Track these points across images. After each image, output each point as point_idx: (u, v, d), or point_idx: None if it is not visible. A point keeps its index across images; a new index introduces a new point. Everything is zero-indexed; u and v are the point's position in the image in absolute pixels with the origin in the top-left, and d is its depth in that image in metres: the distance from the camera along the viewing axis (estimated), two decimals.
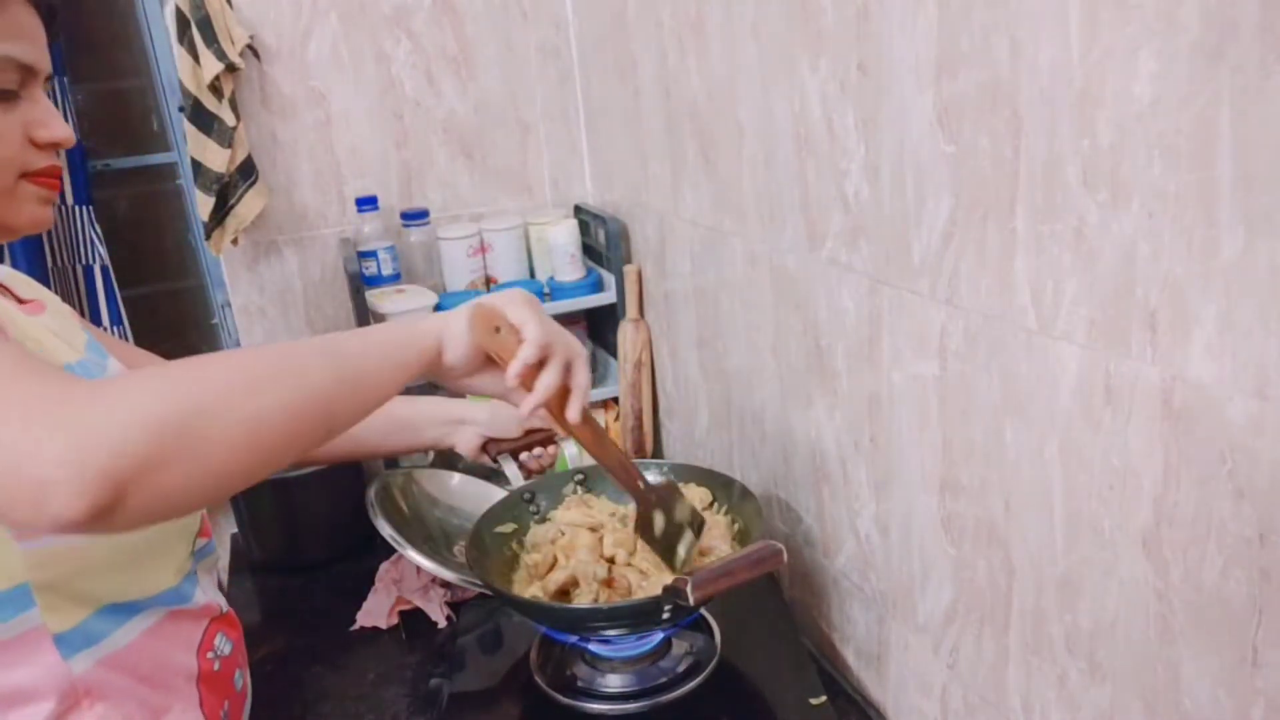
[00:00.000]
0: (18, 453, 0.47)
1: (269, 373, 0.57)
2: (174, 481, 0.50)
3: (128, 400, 0.50)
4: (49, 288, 1.56)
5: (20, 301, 0.75)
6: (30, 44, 0.66)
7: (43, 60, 0.68)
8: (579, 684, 0.99)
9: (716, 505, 1.09)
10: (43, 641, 0.64)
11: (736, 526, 1.05)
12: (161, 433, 0.49)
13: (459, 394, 0.81)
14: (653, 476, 1.16)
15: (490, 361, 0.76)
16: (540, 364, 0.76)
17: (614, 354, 1.61)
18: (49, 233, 1.59)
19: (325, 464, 1.35)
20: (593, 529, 1.06)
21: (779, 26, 0.94)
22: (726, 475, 1.11)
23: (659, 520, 0.92)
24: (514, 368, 0.74)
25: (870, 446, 0.94)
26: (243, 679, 0.83)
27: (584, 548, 1.01)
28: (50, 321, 0.74)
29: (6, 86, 0.65)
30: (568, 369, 0.77)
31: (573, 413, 0.78)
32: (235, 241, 1.50)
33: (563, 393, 0.77)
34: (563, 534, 1.06)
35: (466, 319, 0.74)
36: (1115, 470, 0.64)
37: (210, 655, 0.76)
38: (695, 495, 1.09)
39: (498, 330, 0.75)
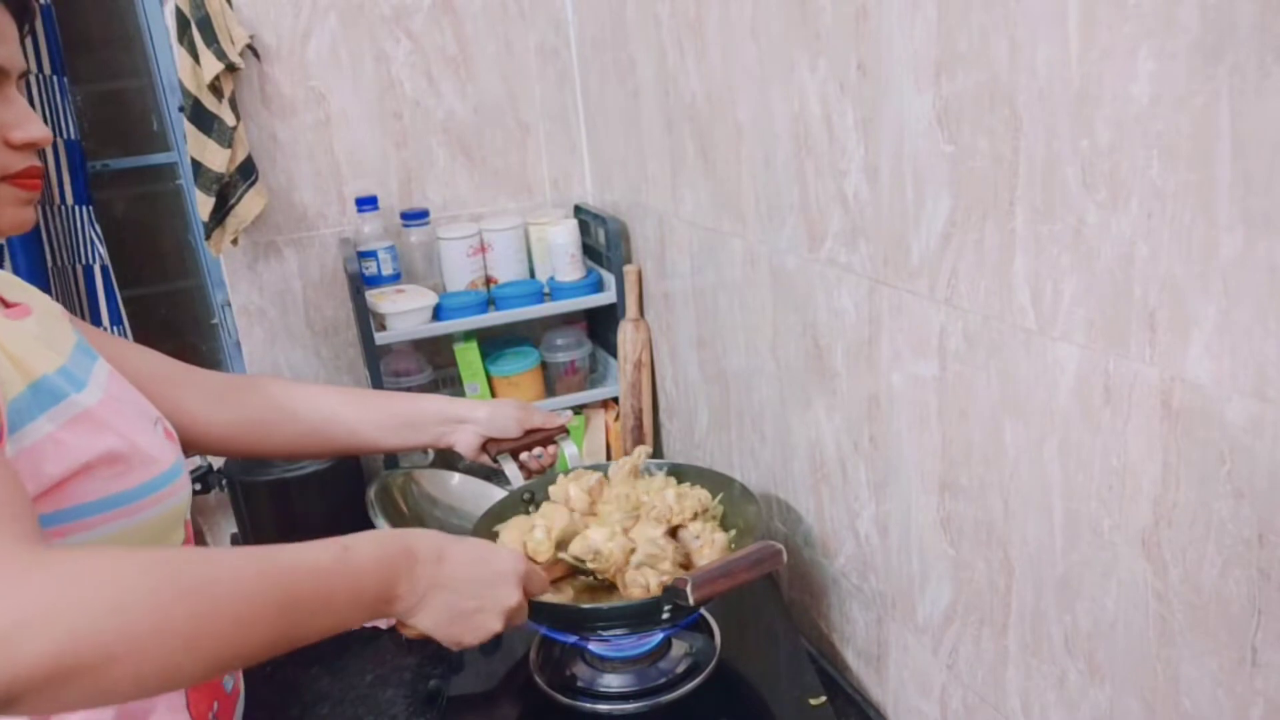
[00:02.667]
0: None
1: (212, 619, 0.53)
2: (72, 698, 0.48)
3: (58, 608, 0.47)
4: (49, 288, 1.57)
5: (6, 305, 0.74)
6: (5, 46, 0.65)
7: (15, 60, 0.67)
8: (579, 684, 0.99)
9: (714, 515, 1.09)
10: None
11: (733, 536, 1.04)
12: (75, 657, 0.47)
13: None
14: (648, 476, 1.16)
15: None
16: None
17: (614, 354, 1.61)
18: (49, 233, 1.59)
19: (325, 457, 1.35)
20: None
21: (778, 26, 0.94)
22: (726, 475, 1.11)
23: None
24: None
25: (869, 447, 0.94)
26: (233, 680, 0.82)
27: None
28: (34, 326, 0.73)
29: None
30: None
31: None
32: (235, 241, 1.50)
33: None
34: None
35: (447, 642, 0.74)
36: (1114, 470, 0.63)
37: None
38: (697, 497, 1.09)
39: None
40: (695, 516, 1.04)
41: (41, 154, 1.46)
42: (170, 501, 0.73)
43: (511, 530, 1.02)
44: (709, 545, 1.01)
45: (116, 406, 0.73)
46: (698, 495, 1.07)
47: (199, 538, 0.96)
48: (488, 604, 0.75)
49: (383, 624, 1.20)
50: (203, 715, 0.76)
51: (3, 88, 0.67)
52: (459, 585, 0.73)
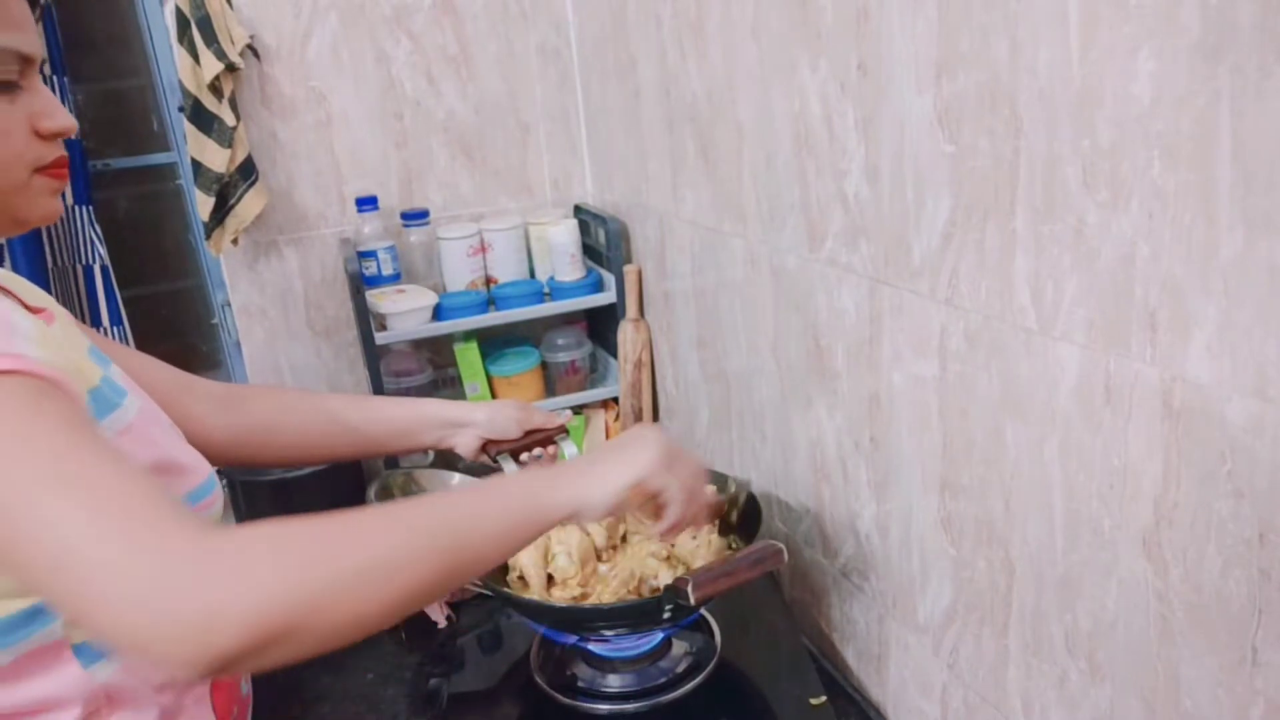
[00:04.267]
0: (140, 607, 0.48)
1: (387, 561, 0.57)
2: (277, 657, 0.52)
3: (259, 578, 0.51)
4: (49, 288, 1.57)
5: (31, 310, 0.74)
6: (26, 33, 0.65)
7: (39, 48, 0.66)
8: (579, 684, 0.99)
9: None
10: (63, 652, 0.64)
11: (731, 540, 1.04)
12: (283, 621, 0.50)
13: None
14: None
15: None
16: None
17: (614, 354, 1.61)
18: (49, 233, 1.59)
19: (326, 462, 1.35)
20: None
21: (779, 27, 0.94)
22: (726, 475, 1.11)
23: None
24: (664, 529, 0.77)
25: (870, 446, 0.94)
26: (247, 684, 0.83)
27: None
28: (59, 333, 0.74)
29: (8, 79, 0.63)
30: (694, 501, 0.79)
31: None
32: (235, 241, 1.50)
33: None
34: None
35: (613, 500, 0.71)
36: (1115, 470, 0.64)
37: None
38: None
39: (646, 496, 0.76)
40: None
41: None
42: (212, 510, 0.73)
43: (529, 550, 1.00)
44: (705, 547, 1.01)
45: (151, 417, 0.73)
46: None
47: None
48: (633, 434, 0.76)
49: None
50: (226, 716, 0.76)
51: (30, 76, 0.66)
52: (597, 452, 0.76)
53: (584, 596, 0.97)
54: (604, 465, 0.73)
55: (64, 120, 0.67)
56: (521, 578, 0.99)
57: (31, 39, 0.66)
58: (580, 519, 0.71)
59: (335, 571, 0.54)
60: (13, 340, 0.55)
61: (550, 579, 0.99)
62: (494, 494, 0.68)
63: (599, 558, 1.02)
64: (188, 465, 0.72)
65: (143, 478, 0.54)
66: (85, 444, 0.53)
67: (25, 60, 0.65)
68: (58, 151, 0.68)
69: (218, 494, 0.75)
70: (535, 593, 0.97)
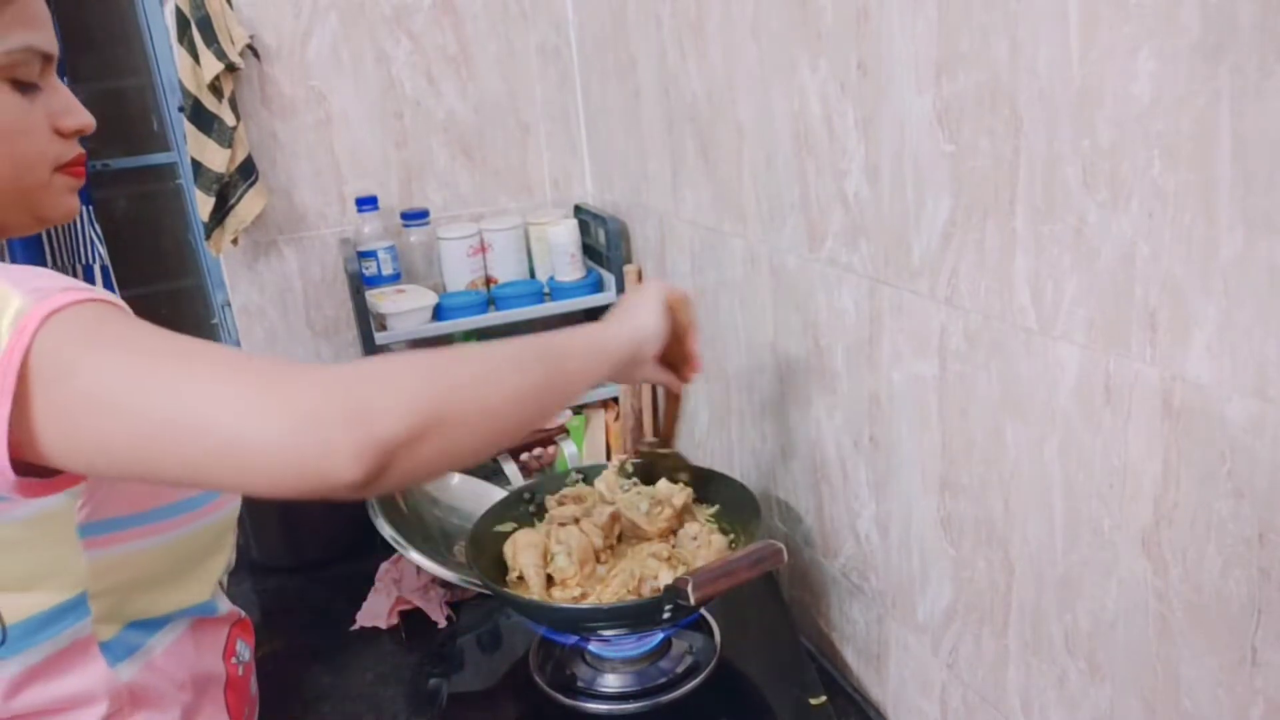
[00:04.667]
0: (303, 421, 0.51)
1: (503, 369, 0.64)
2: (427, 455, 0.55)
3: (395, 385, 0.55)
4: None
5: None
6: (48, 31, 0.65)
7: (54, 44, 0.66)
8: (579, 684, 0.99)
9: (710, 515, 1.09)
10: (90, 649, 0.65)
11: (732, 540, 1.04)
12: (423, 416, 0.55)
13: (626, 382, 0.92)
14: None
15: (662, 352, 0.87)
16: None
17: None
18: (49, 232, 1.59)
19: None
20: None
21: (779, 26, 0.94)
22: (726, 475, 1.11)
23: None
24: (697, 349, 0.92)
25: (870, 446, 0.94)
26: (255, 685, 0.83)
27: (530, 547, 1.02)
28: None
29: (29, 79, 0.63)
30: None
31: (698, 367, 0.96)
32: (235, 241, 1.50)
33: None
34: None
35: (659, 315, 0.84)
36: (1115, 470, 0.64)
37: (234, 660, 0.77)
38: (662, 491, 1.09)
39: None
40: (672, 528, 1.05)
41: None
42: (228, 508, 0.74)
43: (528, 551, 1.01)
44: (706, 547, 1.01)
45: None
46: (673, 502, 1.07)
47: None
48: (635, 291, 0.90)
49: (384, 624, 1.20)
50: (239, 716, 0.77)
51: (49, 75, 0.66)
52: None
53: (583, 597, 0.97)
54: (637, 305, 0.85)
55: (83, 118, 0.68)
56: (521, 578, 0.99)
57: (51, 37, 0.66)
58: (644, 350, 0.83)
59: (455, 375, 0.60)
60: (90, 287, 0.58)
61: (550, 580, 0.99)
62: (571, 331, 0.79)
63: (597, 559, 1.01)
64: None
65: (244, 352, 0.57)
66: (184, 337, 0.56)
67: (46, 59, 0.65)
68: (77, 149, 0.69)
69: (228, 497, 0.75)
70: (535, 594, 0.97)
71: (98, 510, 0.62)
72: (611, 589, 0.96)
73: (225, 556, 0.77)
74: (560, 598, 0.97)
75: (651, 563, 0.99)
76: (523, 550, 1.00)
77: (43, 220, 0.68)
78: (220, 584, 0.78)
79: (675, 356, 0.91)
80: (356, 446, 0.51)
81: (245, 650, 0.80)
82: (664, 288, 0.87)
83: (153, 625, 0.70)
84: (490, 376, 0.63)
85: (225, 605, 0.78)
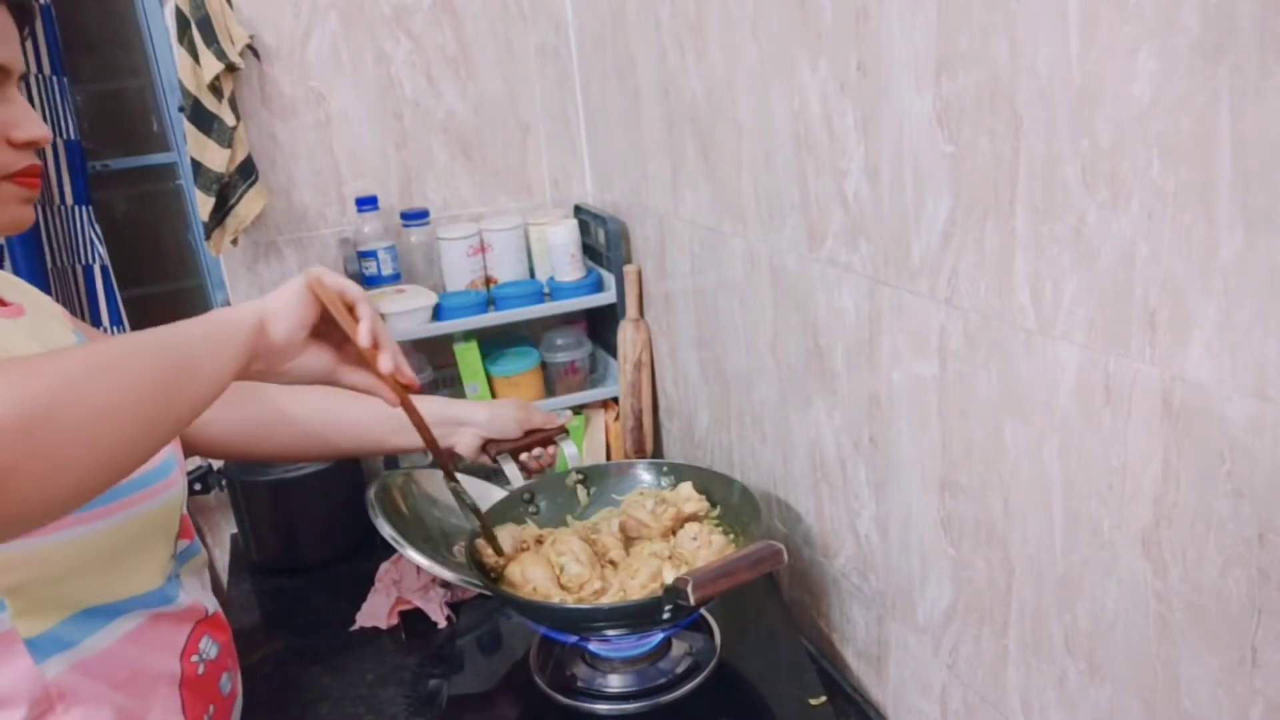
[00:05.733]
0: None
1: (109, 364, 0.57)
2: (26, 486, 0.50)
3: None
4: (49, 288, 1.57)
5: (2, 304, 0.74)
6: (3, 44, 0.65)
7: (16, 60, 0.67)
8: (579, 684, 0.99)
9: (713, 516, 1.09)
10: (14, 646, 0.64)
11: (732, 540, 1.04)
12: (11, 437, 0.49)
13: (286, 383, 0.82)
14: (651, 477, 1.16)
15: (311, 340, 0.77)
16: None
17: (614, 354, 1.61)
18: (48, 233, 1.59)
19: (326, 461, 1.35)
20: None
21: (778, 26, 0.94)
22: (726, 475, 1.11)
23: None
24: (364, 329, 0.78)
25: (870, 446, 0.94)
26: (231, 682, 0.82)
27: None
28: (27, 325, 0.74)
29: None
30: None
31: (407, 372, 0.82)
32: (235, 242, 1.50)
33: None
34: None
35: (294, 295, 0.75)
36: (1115, 470, 0.64)
37: (195, 659, 0.76)
38: (685, 496, 1.09)
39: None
40: (674, 527, 1.05)
41: (41, 154, 1.46)
42: (164, 496, 0.73)
43: (537, 565, 1.00)
44: (706, 547, 1.01)
45: None
46: (677, 502, 1.07)
47: (199, 535, 0.97)
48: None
49: (384, 624, 1.20)
50: (198, 717, 0.76)
51: (4, 87, 0.67)
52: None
53: (603, 591, 0.97)
54: (283, 287, 0.76)
55: (36, 130, 0.68)
56: (535, 591, 0.98)
57: (6, 50, 0.66)
58: (270, 325, 0.73)
59: (63, 376, 0.54)
60: None
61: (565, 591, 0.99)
62: (192, 320, 0.70)
63: (612, 564, 1.02)
64: None
65: None
66: None
67: (2, 72, 0.65)
68: (28, 160, 0.69)
69: (170, 483, 0.74)
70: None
71: None
72: (639, 580, 0.96)
73: (169, 543, 0.76)
74: (583, 599, 0.97)
75: (654, 562, 0.99)
76: (530, 567, 1.00)
77: None
78: (219, 584, 0.78)
79: (345, 347, 0.81)
80: None
81: (213, 648, 0.79)
82: (307, 272, 0.78)
83: (99, 618, 0.69)
84: (100, 371, 0.56)
85: (189, 599, 0.77)
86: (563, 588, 0.98)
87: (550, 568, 0.99)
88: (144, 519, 0.71)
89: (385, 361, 0.79)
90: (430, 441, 0.91)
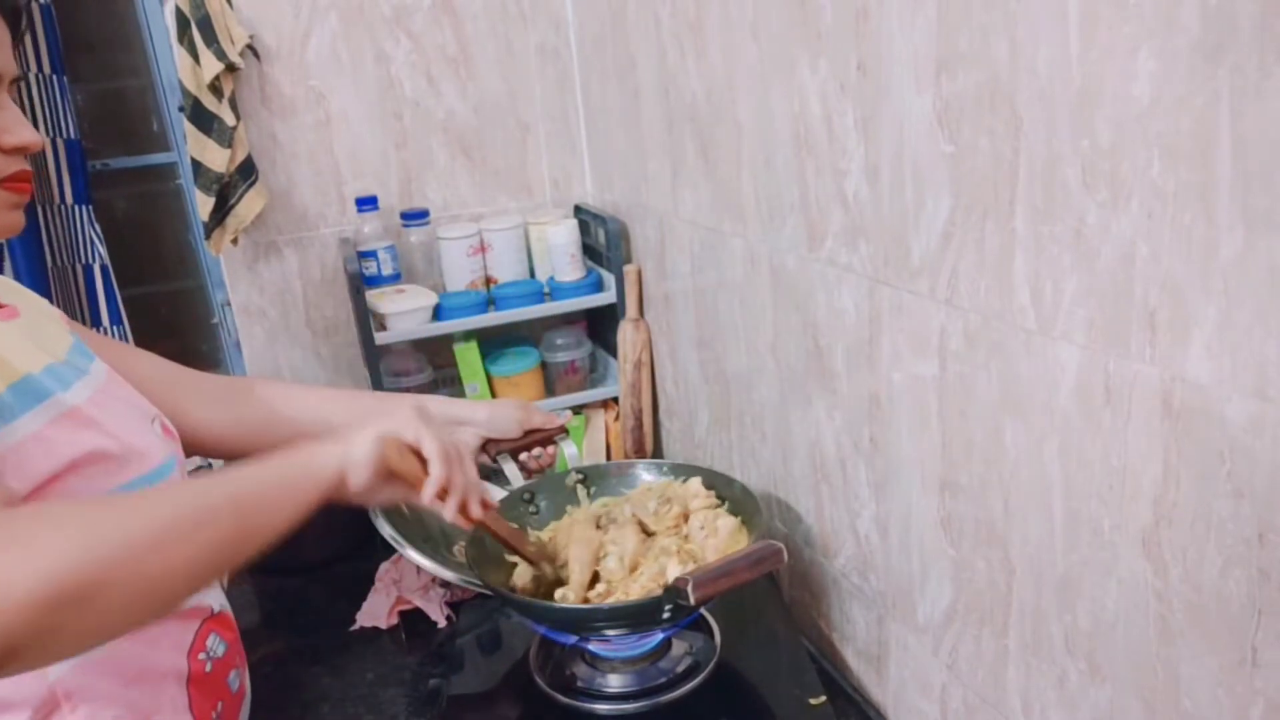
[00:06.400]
0: None
1: (174, 528, 0.57)
2: (69, 640, 0.50)
3: (25, 563, 0.49)
4: (49, 288, 1.57)
5: None
6: None
7: (5, 65, 0.67)
8: (579, 684, 0.99)
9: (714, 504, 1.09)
10: None
11: (742, 520, 1.04)
12: (60, 602, 0.49)
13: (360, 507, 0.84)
14: (652, 477, 1.16)
15: (390, 477, 0.78)
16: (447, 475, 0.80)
17: (614, 354, 1.61)
18: (49, 233, 1.59)
19: None
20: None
21: (778, 26, 0.94)
22: (726, 475, 1.11)
23: (546, 570, 1.00)
24: (430, 489, 0.79)
25: (870, 446, 0.94)
26: (239, 680, 0.82)
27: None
28: (22, 327, 0.74)
29: None
30: (462, 468, 0.83)
31: (476, 510, 0.84)
32: (235, 241, 1.50)
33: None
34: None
35: (371, 452, 0.75)
36: (1115, 470, 0.64)
37: (202, 656, 0.76)
38: (691, 489, 1.09)
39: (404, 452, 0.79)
40: (678, 525, 1.05)
41: (40, 154, 1.46)
42: None
43: (581, 546, 1.00)
44: (714, 535, 1.00)
45: (108, 404, 0.74)
46: (685, 498, 1.07)
47: None
48: (390, 407, 0.85)
49: (383, 624, 1.20)
50: (205, 716, 0.76)
51: None
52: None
53: (608, 594, 0.97)
54: (365, 428, 0.76)
55: (27, 136, 0.68)
56: (564, 566, 1.00)
57: (1, 57, 0.66)
58: (350, 477, 0.74)
59: (127, 532, 0.53)
60: None
61: (594, 580, 0.99)
62: (272, 461, 0.71)
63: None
64: (141, 452, 0.72)
65: None
66: None
67: None
68: (19, 165, 0.68)
69: (173, 482, 0.74)
70: (574, 588, 0.97)
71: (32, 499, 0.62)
72: (640, 581, 0.96)
73: None
74: (598, 593, 0.97)
75: (661, 558, 0.99)
76: (577, 543, 1.00)
77: None
78: (220, 583, 0.78)
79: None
80: None
81: (220, 646, 0.79)
82: (381, 437, 0.77)
83: None
84: (173, 529, 0.56)
85: (193, 598, 0.77)
86: (594, 575, 0.98)
87: (595, 551, 1.00)
88: None
89: (447, 512, 0.82)
90: (513, 550, 0.97)
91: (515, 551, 0.98)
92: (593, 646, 1.00)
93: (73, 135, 1.56)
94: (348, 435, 0.76)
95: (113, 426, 0.71)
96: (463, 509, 0.83)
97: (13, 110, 0.68)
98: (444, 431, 0.82)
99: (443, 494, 0.81)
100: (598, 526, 1.06)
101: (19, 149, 0.68)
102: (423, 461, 0.80)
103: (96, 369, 0.77)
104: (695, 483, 1.10)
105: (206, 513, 0.60)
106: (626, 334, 1.54)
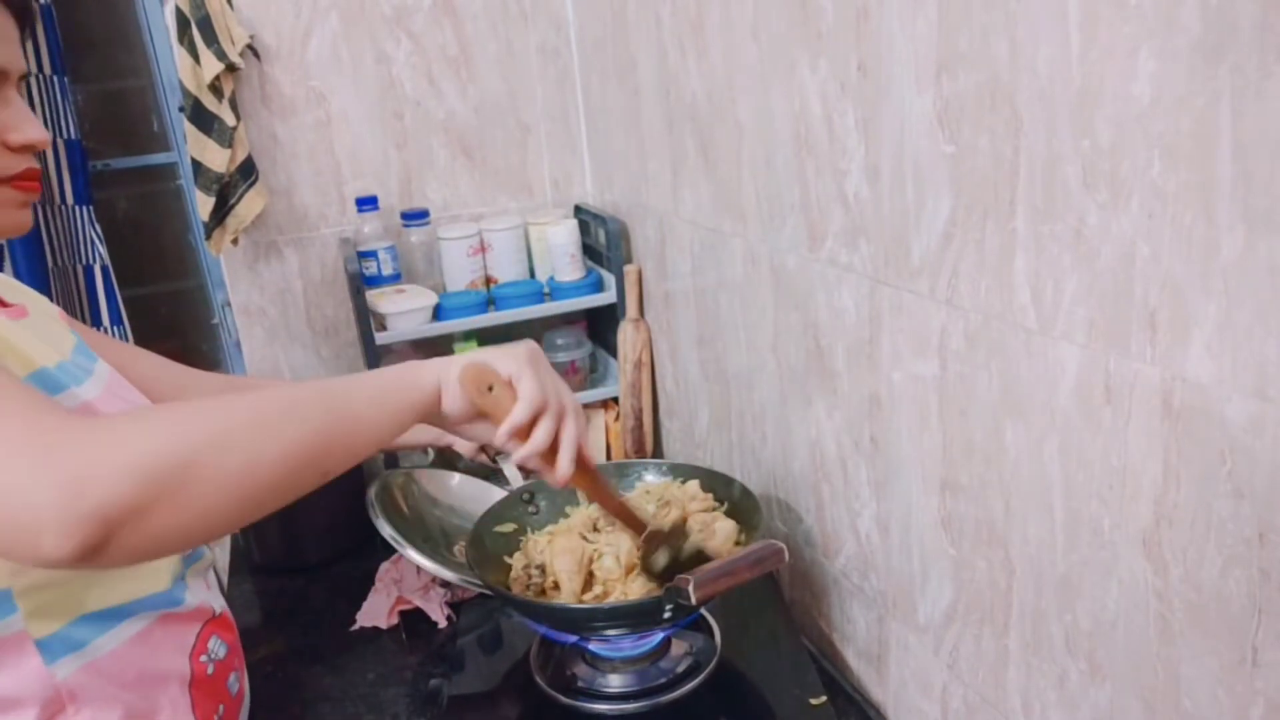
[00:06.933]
0: (7, 490, 0.48)
1: (264, 420, 0.57)
2: (163, 524, 0.51)
3: (121, 442, 0.50)
4: (49, 288, 1.57)
5: (4, 305, 0.74)
6: (2, 46, 0.65)
7: (15, 62, 0.66)
8: (579, 684, 0.99)
9: (720, 507, 1.09)
10: (25, 647, 0.64)
11: (741, 533, 1.04)
12: (154, 477, 0.49)
13: (456, 436, 0.80)
14: (653, 476, 1.16)
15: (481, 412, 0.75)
16: (533, 420, 0.74)
17: (614, 354, 1.61)
18: (49, 233, 1.59)
19: None
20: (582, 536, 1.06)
21: (779, 26, 0.94)
22: (726, 475, 1.11)
23: (663, 558, 0.92)
24: (504, 429, 0.73)
25: (870, 446, 0.94)
26: (239, 682, 0.82)
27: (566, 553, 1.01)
28: (32, 326, 0.74)
29: None
30: (560, 421, 0.76)
31: (562, 467, 0.76)
32: (235, 241, 1.50)
33: (554, 446, 0.76)
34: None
35: (458, 375, 0.72)
36: (1115, 470, 0.64)
37: (203, 659, 0.76)
38: (691, 495, 1.09)
39: (490, 389, 0.74)
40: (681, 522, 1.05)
41: (41, 154, 1.46)
42: None
43: (565, 557, 0.99)
44: (712, 537, 1.00)
45: (117, 401, 0.74)
46: (683, 501, 1.07)
47: None
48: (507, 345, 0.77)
49: (383, 624, 1.20)
50: (208, 718, 0.76)
51: (4, 90, 0.66)
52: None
53: (605, 595, 0.97)
54: (470, 354, 0.74)
55: (34, 133, 0.67)
56: (556, 585, 0.99)
57: (8, 53, 0.66)
58: (444, 396, 0.71)
59: (216, 426, 0.54)
60: None
61: (589, 579, 0.99)
62: (371, 373, 0.70)
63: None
64: None
65: (32, 395, 0.53)
66: None
67: (0, 74, 0.65)
68: (26, 164, 0.68)
69: None
70: (566, 594, 0.96)
71: None
72: (640, 581, 0.96)
73: None
74: (594, 595, 0.97)
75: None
76: (560, 555, 1.00)
77: None
78: (220, 584, 0.78)
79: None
80: (63, 519, 0.47)
81: (221, 648, 0.79)
82: (510, 353, 0.75)
83: (107, 620, 0.68)
84: (249, 431, 0.56)
85: (195, 599, 0.77)
86: (590, 573, 0.98)
87: (580, 559, 0.99)
88: None
89: (515, 456, 0.75)
90: (625, 522, 0.90)
91: (627, 523, 0.90)
92: (593, 646, 1.00)
93: (73, 135, 1.56)
94: (448, 359, 0.73)
95: None
96: (550, 459, 0.76)
97: (20, 107, 0.68)
98: (553, 379, 0.76)
99: (524, 434, 0.74)
100: (595, 529, 1.06)
101: (26, 146, 0.67)
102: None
103: (100, 368, 0.77)
104: (693, 485, 1.11)
105: (296, 410, 0.60)
106: (626, 334, 1.54)
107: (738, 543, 1.02)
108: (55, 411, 0.53)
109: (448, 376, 0.72)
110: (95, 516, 0.48)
